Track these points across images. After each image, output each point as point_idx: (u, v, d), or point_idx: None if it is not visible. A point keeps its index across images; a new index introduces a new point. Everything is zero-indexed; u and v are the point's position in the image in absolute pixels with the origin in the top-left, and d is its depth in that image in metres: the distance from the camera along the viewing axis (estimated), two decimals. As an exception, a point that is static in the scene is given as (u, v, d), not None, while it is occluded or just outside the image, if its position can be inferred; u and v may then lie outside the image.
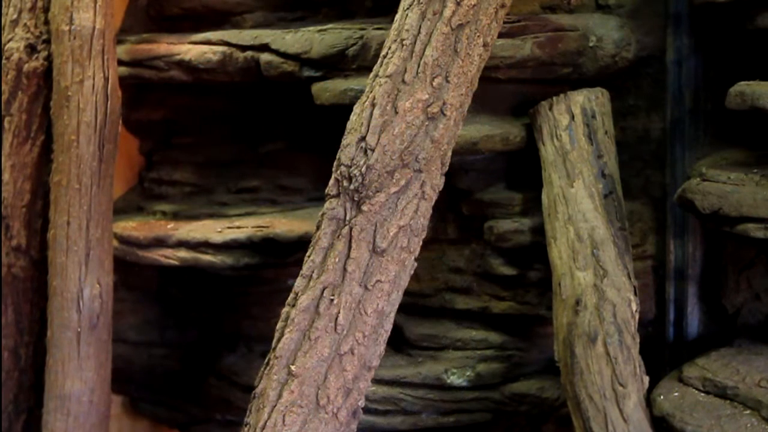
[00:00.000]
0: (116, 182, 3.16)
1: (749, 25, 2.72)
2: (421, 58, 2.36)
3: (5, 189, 3.18)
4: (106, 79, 3.03)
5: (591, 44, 2.97)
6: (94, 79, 3.01)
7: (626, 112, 3.10)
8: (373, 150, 2.35)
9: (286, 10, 3.46)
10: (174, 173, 3.69)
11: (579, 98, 2.94)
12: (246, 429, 2.45)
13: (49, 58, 3.13)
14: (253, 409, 2.45)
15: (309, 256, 2.45)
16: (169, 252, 3.37)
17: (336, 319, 2.38)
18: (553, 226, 2.88)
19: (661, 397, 2.68)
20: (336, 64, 3.08)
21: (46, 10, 3.14)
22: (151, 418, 3.94)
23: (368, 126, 2.37)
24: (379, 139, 2.35)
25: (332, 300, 2.38)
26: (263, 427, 2.40)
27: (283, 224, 3.26)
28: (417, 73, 2.36)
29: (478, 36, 2.38)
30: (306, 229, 3.16)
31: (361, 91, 2.48)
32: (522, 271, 3.14)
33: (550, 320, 2.91)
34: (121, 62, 3.30)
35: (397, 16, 2.44)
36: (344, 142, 2.42)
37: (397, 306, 2.46)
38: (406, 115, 2.35)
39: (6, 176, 3.18)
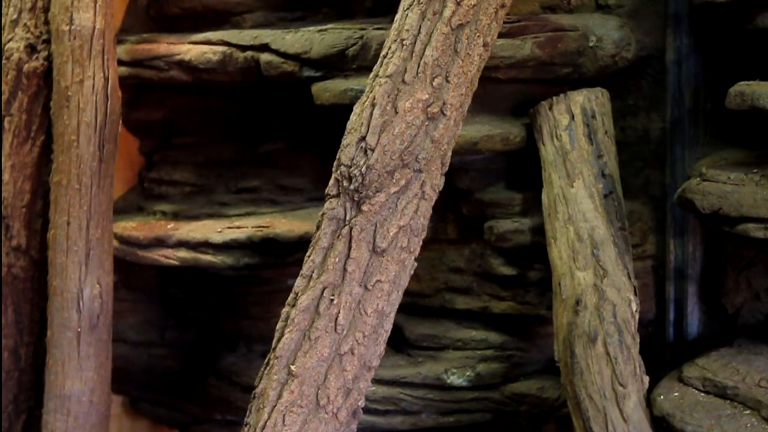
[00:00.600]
0: (116, 182, 3.16)
1: (748, 25, 2.72)
2: (421, 58, 2.36)
3: (5, 189, 3.18)
4: (106, 79, 3.03)
5: (591, 44, 2.97)
6: (94, 79, 3.01)
7: (626, 112, 3.10)
8: (373, 150, 2.35)
9: (286, 10, 3.46)
10: (174, 173, 3.69)
11: (579, 98, 2.94)
12: (246, 429, 2.45)
13: (49, 58, 3.14)
14: (253, 409, 2.45)
15: (309, 256, 2.45)
16: (169, 252, 3.37)
17: (336, 319, 2.38)
18: (553, 226, 2.88)
19: (661, 397, 2.68)
20: (336, 64, 3.08)
21: (46, 10, 3.14)
22: (151, 418, 3.94)
23: (368, 126, 2.37)
24: (379, 139, 2.35)
25: (332, 300, 2.38)
26: (263, 427, 2.40)
27: (283, 224, 3.26)
28: (417, 73, 2.36)
29: (478, 36, 2.38)
30: (306, 229, 3.16)
31: (361, 91, 2.48)
32: (522, 271, 3.14)
33: (550, 320, 2.92)
34: (121, 62, 3.30)
35: (397, 16, 2.44)
36: (344, 142, 2.42)
37: (397, 306, 2.46)
38: (406, 115, 2.35)
39: (6, 176, 3.18)
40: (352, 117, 2.43)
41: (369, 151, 2.35)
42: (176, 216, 3.55)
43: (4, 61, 3.16)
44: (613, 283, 2.73)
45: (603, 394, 2.62)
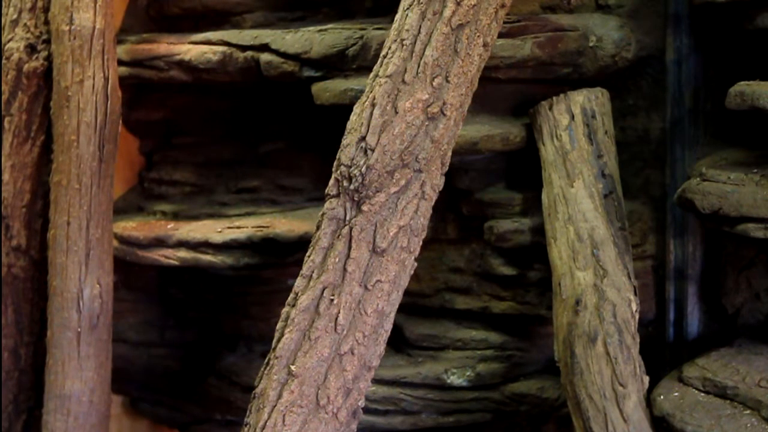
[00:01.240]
0: (116, 182, 3.16)
1: (748, 25, 2.72)
2: (421, 58, 2.36)
3: (5, 189, 3.18)
4: (106, 79, 3.03)
5: (591, 44, 2.97)
6: (94, 79, 3.01)
7: (626, 112, 3.10)
8: (373, 150, 2.35)
9: (286, 10, 3.46)
10: (174, 173, 3.69)
11: (579, 98, 2.94)
12: (246, 429, 2.45)
13: (49, 58, 3.14)
14: (253, 409, 2.45)
15: (309, 256, 2.45)
16: (169, 252, 3.37)
17: (336, 319, 2.38)
18: (553, 226, 2.88)
19: (661, 397, 2.68)
20: (336, 64, 3.08)
21: (46, 10, 3.14)
22: (151, 418, 3.94)
23: (368, 126, 2.37)
24: (379, 139, 2.35)
25: (332, 300, 2.38)
26: (263, 427, 2.40)
27: (283, 224, 3.26)
28: (417, 73, 2.36)
29: (478, 36, 2.38)
30: (306, 229, 3.16)
31: (361, 91, 2.48)
32: (522, 271, 3.14)
33: (550, 320, 2.92)
34: (121, 62, 3.30)
35: (397, 16, 2.44)
36: (344, 142, 2.42)
37: (397, 306, 2.46)
38: (406, 115, 2.35)
39: (6, 176, 3.18)
40: (352, 117, 2.43)
41: (369, 151, 2.35)
42: (176, 216, 3.55)
43: (4, 61, 3.16)
44: (613, 283, 2.73)
45: (603, 394, 2.62)
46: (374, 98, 2.38)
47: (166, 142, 3.74)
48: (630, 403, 2.62)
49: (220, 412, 3.64)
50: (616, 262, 2.77)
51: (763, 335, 2.89)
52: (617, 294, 2.72)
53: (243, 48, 3.23)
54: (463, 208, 3.22)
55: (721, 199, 2.63)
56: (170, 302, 3.73)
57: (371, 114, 2.38)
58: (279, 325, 2.46)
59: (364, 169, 2.35)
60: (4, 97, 3.16)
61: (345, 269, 2.38)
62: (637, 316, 2.75)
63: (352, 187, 2.37)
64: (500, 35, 2.65)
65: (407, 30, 2.38)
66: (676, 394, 2.70)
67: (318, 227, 2.45)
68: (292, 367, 2.40)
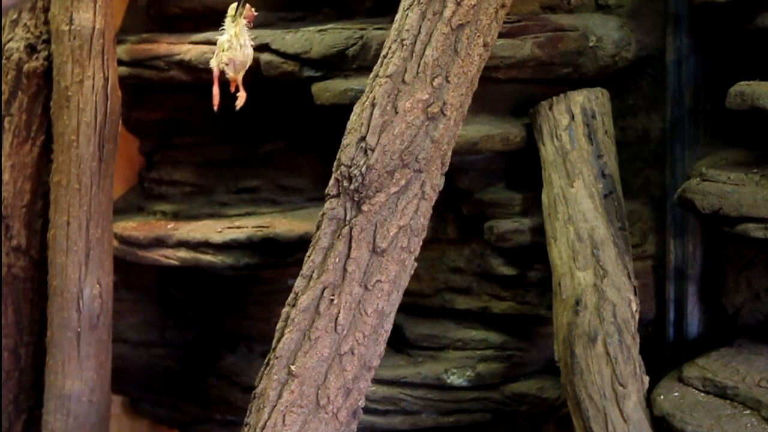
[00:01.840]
0: (116, 182, 3.16)
1: (749, 25, 2.72)
2: (421, 58, 2.36)
3: (5, 189, 3.18)
4: (106, 79, 3.03)
5: (591, 44, 2.97)
6: (94, 79, 3.01)
7: (626, 112, 3.10)
8: (373, 150, 2.35)
9: (286, 10, 3.45)
10: (174, 173, 3.69)
11: (579, 98, 2.94)
12: (246, 429, 2.45)
13: (49, 58, 3.14)
14: (253, 409, 2.45)
15: (309, 256, 2.45)
16: (169, 252, 3.37)
17: (336, 319, 2.38)
18: (553, 226, 2.88)
19: (661, 397, 2.68)
20: (336, 64, 3.08)
21: (46, 10, 3.14)
22: (151, 418, 3.94)
23: (368, 126, 2.37)
24: (379, 139, 2.35)
25: (332, 300, 2.38)
26: (263, 427, 2.40)
27: (283, 224, 3.26)
28: (417, 73, 2.36)
29: (478, 36, 2.38)
30: (306, 229, 3.16)
31: (361, 91, 2.48)
32: (522, 271, 3.14)
33: (550, 320, 2.92)
34: (121, 62, 3.30)
35: (398, 16, 2.44)
36: (344, 142, 2.42)
37: (397, 306, 2.46)
38: (406, 115, 2.35)
39: (6, 176, 3.18)
40: (352, 117, 2.43)
41: (369, 151, 2.35)
42: (176, 216, 3.55)
43: (4, 61, 3.16)
44: (613, 283, 2.73)
45: (603, 394, 2.62)
46: (374, 98, 2.38)
47: (166, 142, 3.74)
48: (630, 403, 2.62)
49: (220, 412, 3.64)
50: (616, 262, 2.77)
51: (763, 335, 2.89)
52: (617, 294, 2.72)
53: (243, 48, 3.23)
54: (463, 208, 3.22)
55: (721, 199, 2.63)
56: (170, 302, 3.73)
57: (371, 114, 2.37)
58: (279, 325, 2.46)
59: (364, 169, 2.35)
60: (4, 97, 3.16)
61: (345, 269, 2.38)
62: (637, 316, 2.75)
63: (352, 187, 2.37)
64: (500, 35, 2.64)
65: (407, 30, 2.38)
66: (676, 394, 2.70)
67: (318, 227, 2.45)
68: (292, 367, 2.40)
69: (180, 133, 3.69)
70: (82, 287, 2.99)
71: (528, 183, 3.08)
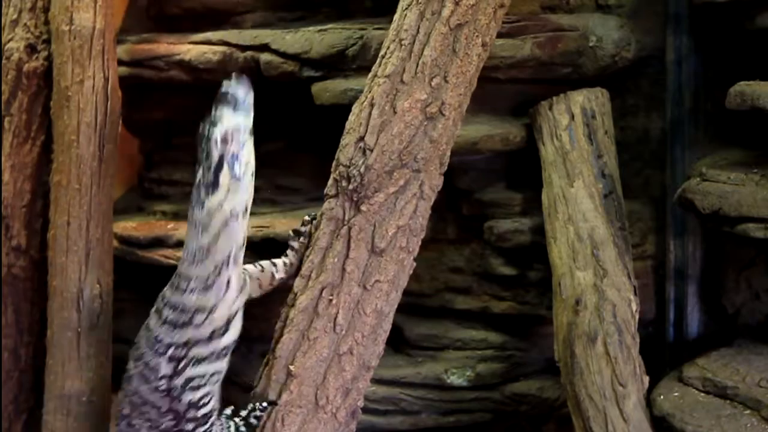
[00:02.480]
0: (116, 182, 3.16)
1: (749, 25, 2.72)
2: (419, 58, 2.36)
3: (5, 189, 3.18)
4: (106, 79, 3.03)
5: (591, 44, 2.97)
6: (94, 79, 3.01)
7: (626, 112, 3.10)
8: (371, 150, 2.35)
9: (286, 10, 3.46)
10: (174, 173, 3.69)
11: (579, 98, 2.94)
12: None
13: (49, 58, 3.14)
14: (252, 409, 2.45)
15: (308, 256, 2.45)
16: (169, 252, 3.37)
17: (335, 319, 2.38)
18: (553, 226, 2.88)
19: (661, 397, 2.68)
20: (336, 64, 3.08)
21: (46, 10, 3.14)
22: (151, 418, 3.94)
23: (367, 126, 2.37)
24: (377, 139, 2.35)
25: (331, 300, 2.38)
26: (262, 427, 2.40)
27: (282, 224, 3.25)
28: (415, 73, 2.36)
29: (477, 36, 2.38)
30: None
31: (361, 91, 2.49)
32: (522, 271, 3.14)
33: (550, 320, 2.91)
34: (121, 62, 3.30)
35: (396, 16, 2.45)
36: (343, 142, 2.42)
37: (396, 306, 2.46)
38: (405, 115, 2.35)
39: (6, 176, 3.18)
40: (351, 117, 2.43)
41: (368, 151, 2.35)
42: (176, 216, 3.55)
43: (4, 61, 3.17)
44: (613, 283, 2.73)
45: (603, 394, 2.62)
46: (373, 98, 2.38)
47: (166, 142, 3.74)
48: (630, 403, 2.62)
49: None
50: (616, 262, 2.77)
51: (763, 335, 2.89)
52: (617, 294, 2.72)
53: (243, 48, 3.23)
54: (463, 208, 3.22)
55: (721, 199, 2.63)
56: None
57: (370, 114, 2.38)
58: (278, 325, 2.46)
59: (362, 169, 2.35)
60: (4, 97, 3.16)
61: (344, 269, 2.38)
62: (637, 316, 2.75)
63: (350, 187, 2.37)
64: (500, 35, 2.65)
65: (406, 30, 2.38)
66: (676, 394, 2.70)
67: (316, 227, 2.45)
68: (291, 368, 2.40)
69: (180, 133, 3.69)
70: (82, 287, 2.99)
71: (528, 183, 3.08)
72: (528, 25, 2.97)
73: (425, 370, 3.23)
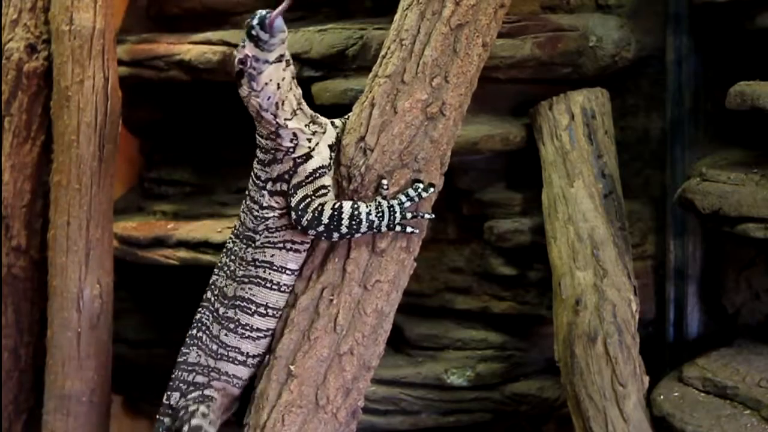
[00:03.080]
0: (116, 182, 3.16)
1: (749, 25, 2.72)
2: (420, 58, 2.36)
3: (5, 189, 3.18)
4: (106, 79, 3.03)
5: (591, 44, 2.96)
6: (94, 79, 3.02)
7: (626, 111, 3.10)
8: (372, 150, 2.35)
9: (286, 10, 3.45)
10: (174, 173, 3.70)
11: (579, 98, 2.94)
12: (246, 429, 2.45)
13: (49, 58, 3.14)
14: (252, 409, 2.45)
15: (308, 257, 2.45)
16: (169, 252, 3.38)
17: (335, 319, 2.38)
18: (553, 226, 2.88)
19: (661, 397, 2.68)
20: (336, 64, 3.08)
21: (46, 10, 3.14)
22: (151, 418, 3.94)
23: (367, 126, 2.37)
24: (378, 140, 2.35)
25: (331, 300, 2.38)
26: (263, 427, 2.40)
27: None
28: (416, 73, 2.35)
29: (478, 36, 2.38)
30: (306, 229, 3.16)
31: (361, 91, 2.48)
32: (522, 271, 3.14)
33: (550, 320, 2.91)
34: (121, 62, 3.30)
35: (397, 16, 2.44)
36: (343, 142, 2.42)
37: (396, 306, 2.46)
38: (405, 116, 2.35)
39: (6, 176, 3.18)
40: (351, 117, 2.43)
41: (368, 152, 2.35)
42: (176, 216, 3.56)
43: (4, 61, 3.17)
44: (613, 283, 2.73)
45: (603, 394, 2.62)
46: (373, 98, 2.38)
47: (166, 142, 3.74)
48: (630, 403, 2.62)
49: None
50: (616, 262, 2.77)
51: (763, 335, 2.89)
52: (617, 294, 2.72)
53: (243, 48, 3.23)
54: (463, 208, 3.22)
55: (721, 199, 2.63)
56: (170, 302, 3.73)
57: (370, 114, 2.37)
58: (278, 325, 2.46)
59: (363, 169, 2.35)
60: (4, 97, 3.17)
61: (344, 269, 2.38)
62: (637, 316, 2.75)
63: (351, 187, 2.36)
64: (500, 35, 2.64)
65: (406, 30, 2.38)
66: (676, 394, 2.69)
67: (317, 227, 2.45)
68: (292, 368, 2.40)
69: (180, 133, 3.69)
70: (82, 287, 2.99)
71: (528, 183, 3.08)
72: (528, 25, 2.97)
73: (425, 370, 3.23)
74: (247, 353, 2.48)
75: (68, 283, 2.99)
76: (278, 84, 2.28)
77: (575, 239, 2.80)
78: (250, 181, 2.46)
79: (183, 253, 3.33)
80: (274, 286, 2.43)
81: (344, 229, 2.30)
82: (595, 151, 2.91)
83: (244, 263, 2.44)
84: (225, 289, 2.50)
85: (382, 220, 2.31)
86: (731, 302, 2.99)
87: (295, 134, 2.34)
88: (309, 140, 2.35)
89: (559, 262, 2.82)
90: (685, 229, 3.00)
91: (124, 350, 3.60)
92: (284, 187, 2.37)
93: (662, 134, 3.05)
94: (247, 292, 2.45)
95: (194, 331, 2.58)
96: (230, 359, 2.49)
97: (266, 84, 2.28)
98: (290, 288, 2.44)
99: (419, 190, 2.35)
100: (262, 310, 2.45)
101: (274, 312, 2.45)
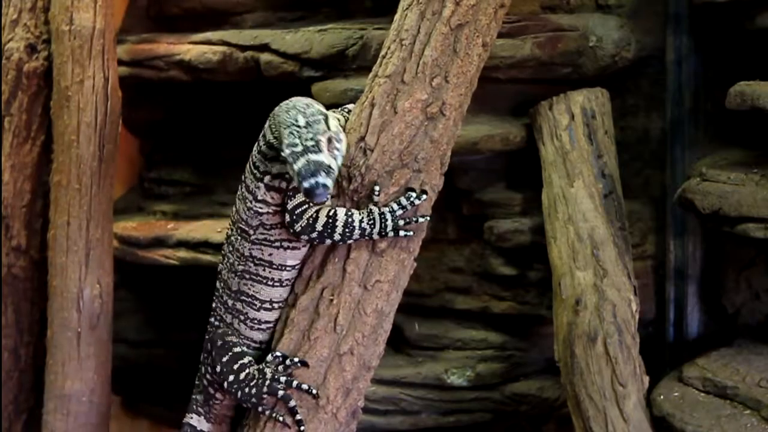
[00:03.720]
0: (116, 182, 3.16)
1: (749, 25, 2.72)
2: (420, 59, 2.36)
3: (5, 189, 3.18)
4: (106, 79, 3.03)
5: (591, 44, 2.96)
6: (94, 79, 3.02)
7: (626, 112, 3.10)
8: (372, 150, 2.35)
9: (286, 10, 3.46)
10: (174, 173, 3.70)
11: (579, 98, 2.94)
12: (245, 429, 2.46)
13: (49, 58, 3.14)
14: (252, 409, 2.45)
15: (308, 257, 2.45)
16: (169, 252, 3.38)
17: (335, 319, 2.38)
18: (553, 226, 2.88)
19: (661, 397, 2.68)
20: (336, 64, 3.08)
21: (46, 10, 3.14)
22: (151, 418, 3.94)
23: (367, 126, 2.37)
24: (378, 140, 2.35)
25: (332, 300, 2.38)
26: (263, 428, 2.40)
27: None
28: (416, 73, 2.36)
29: (478, 36, 2.38)
30: (306, 229, 3.16)
31: (361, 91, 2.48)
32: (522, 271, 3.14)
33: (550, 320, 2.91)
34: (121, 62, 3.30)
35: (397, 16, 2.44)
36: (344, 142, 2.42)
37: (396, 306, 2.46)
38: (406, 116, 2.35)
39: (6, 176, 3.18)
40: (351, 117, 2.43)
41: (368, 151, 2.35)
42: (176, 216, 3.56)
43: (4, 61, 3.17)
44: (613, 283, 2.73)
45: (603, 394, 2.62)
46: (373, 98, 2.38)
47: (166, 142, 3.74)
48: (630, 403, 2.62)
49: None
50: (616, 262, 2.77)
51: (763, 335, 2.89)
52: (617, 294, 2.72)
53: (243, 48, 3.23)
54: (463, 208, 3.22)
55: (721, 199, 2.63)
56: (170, 302, 3.73)
57: (370, 114, 2.37)
58: (279, 325, 2.46)
59: (363, 170, 2.35)
60: (4, 97, 3.17)
61: (344, 269, 2.38)
62: (637, 316, 2.75)
63: (351, 187, 2.36)
64: (500, 35, 2.64)
65: (406, 30, 2.38)
66: (676, 394, 2.69)
67: (317, 227, 2.45)
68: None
69: (180, 133, 3.69)
70: (82, 287, 2.99)
71: (528, 183, 3.08)
72: (528, 25, 2.97)
73: (425, 370, 3.23)
74: (261, 341, 2.51)
75: (68, 283, 2.99)
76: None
77: (575, 239, 2.80)
78: (248, 167, 2.43)
79: (183, 253, 3.34)
80: (276, 283, 2.43)
81: (337, 236, 2.31)
82: (595, 151, 2.91)
83: (242, 258, 2.44)
84: (229, 281, 2.51)
85: (374, 228, 2.31)
86: (731, 302, 2.99)
87: None
88: None
89: (559, 262, 2.82)
90: (685, 229, 3.00)
91: (124, 350, 3.61)
92: (283, 185, 2.35)
93: (662, 134, 3.05)
94: (249, 289, 2.45)
95: (212, 320, 2.62)
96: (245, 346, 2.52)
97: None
98: (293, 281, 2.45)
99: (412, 198, 2.35)
100: (267, 305, 2.46)
101: (280, 304, 2.47)
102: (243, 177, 2.44)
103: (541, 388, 3.20)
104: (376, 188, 2.33)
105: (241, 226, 2.43)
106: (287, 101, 2.35)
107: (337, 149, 2.19)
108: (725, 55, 2.93)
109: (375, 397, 3.15)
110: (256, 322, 2.48)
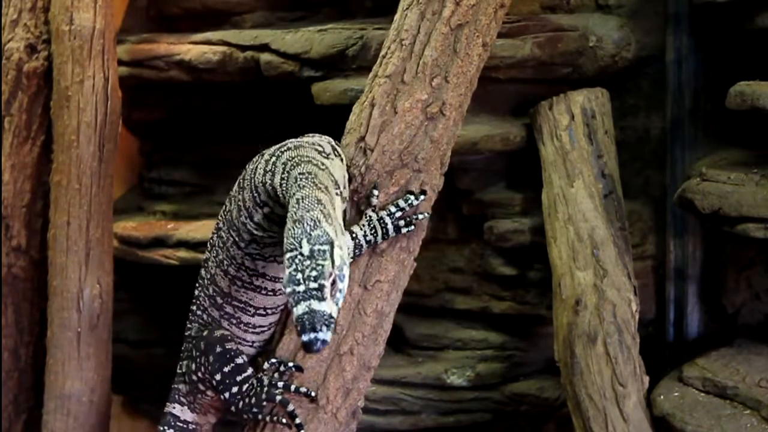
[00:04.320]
0: (116, 182, 3.16)
1: (749, 25, 2.72)
2: (420, 59, 2.36)
3: (5, 189, 3.18)
4: (106, 79, 3.03)
5: (591, 44, 2.97)
6: (94, 79, 3.02)
7: (626, 112, 3.10)
8: (372, 150, 2.35)
9: (286, 10, 3.46)
10: (174, 173, 3.70)
11: (579, 98, 2.94)
12: (245, 429, 2.45)
13: (49, 58, 3.14)
14: (252, 409, 2.45)
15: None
16: (169, 252, 3.37)
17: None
18: (553, 226, 2.88)
19: (661, 397, 2.68)
20: (336, 64, 3.08)
21: (46, 10, 3.14)
22: (151, 418, 3.94)
23: (367, 126, 2.37)
24: (378, 139, 2.35)
25: (332, 300, 2.38)
26: (263, 428, 2.40)
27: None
28: (416, 73, 2.36)
29: (478, 36, 2.38)
30: (306, 229, 3.16)
31: (361, 91, 2.48)
32: (522, 271, 3.14)
33: (550, 320, 2.91)
34: (121, 62, 3.30)
35: (397, 16, 2.44)
36: (343, 142, 2.42)
37: (396, 306, 2.46)
38: (406, 115, 2.35)
39: (6, 176, 3.18)
40: (352, 117, 2.43)
41: (368, 151, 2.35)
42: (176, 216, 3.56)
43: (4, 61, 3.17)
44: (613, 283, 2.73)
45: (603, 394, 2.62)
46: (373, 98, 2.38)
47: (166, 142, 3.74)
48: (630, 403, 2.62)
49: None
50: (616, 262, 2.77)
51: (763, 335, 2.89)
52: (617, 294, 2.72)
53: (243, 48, 3.23)
54: (463, 208, 3.22)
55: (721, 199, 2.63)
56: (170, 302, 3.73)
57: (370, 114, 2.37)
58: (278, 327, 2.46)
59: (363, 169, 2.35)
60: (4, 97, 3.17)
61: (344, 269, 2.38)
62: (637, 316, 2.75)
63: (351, 187, 2.36)
64: (500, 35, 2.64)
65: (406, 30, 2.38)
66: (676, 394, 2.70)
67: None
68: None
69: (180, 133, 3.69)
70: (82, 287, 2.99)
71: (528, 183, 3.08)
72: (528, 25, 2.97)
73: (425, 370, 3.22)
74: (253, 341, 2.51)
75: (68, 283, 2.99)
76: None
77: (575, 239, 2.80)
78: (248, 179, 2.34)
79: (183, 253, 3.33)
80: (269, 293, 2.42)
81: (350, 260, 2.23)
82: (595, 151, 2.91)
83: (234, 263, 2.41)
84: (216, 277, 2.47)
85: (377, 236, 2.31)
86: (731, 302, 2.99)
87: None
88: None
89: (559, 262, 2.82)
90: (685, 229, 3.00)
91: (124, 350, 3.60)
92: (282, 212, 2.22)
93: (662, 134, 3.05)
94: (243, 296, 2.44)
95: (193, 308, 2.58)
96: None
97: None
98: None
99: (410, 200, 2.34)
100: (261, 311, 2.45)
101: (274, 310, 2.46)
102: (240, 180, 2.39)
103: (541, 388, 3.19)
104: (375, 191, 2.32)
105: (233, 232, 2.38)
106: (292, 154, 2.25)
107: (340, 290, 2.00)
108: (725, 55, 2.93)
109: (375, 397, 3.15)
110: (250, 326, 2.48)
